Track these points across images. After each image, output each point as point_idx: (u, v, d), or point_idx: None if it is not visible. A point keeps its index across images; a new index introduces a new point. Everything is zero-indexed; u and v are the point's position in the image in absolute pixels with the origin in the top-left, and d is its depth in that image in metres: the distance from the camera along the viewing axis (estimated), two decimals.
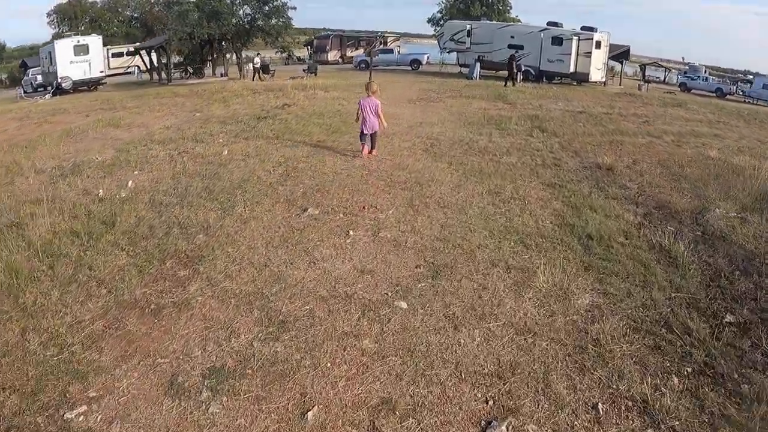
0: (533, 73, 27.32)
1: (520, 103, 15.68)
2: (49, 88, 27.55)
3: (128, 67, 41.72)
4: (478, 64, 28.58)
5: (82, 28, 57.27)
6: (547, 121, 12.24)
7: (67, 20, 55.76)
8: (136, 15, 59.99)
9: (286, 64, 45.93)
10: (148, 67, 35.83)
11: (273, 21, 27.48)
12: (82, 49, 26.93)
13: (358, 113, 8.63)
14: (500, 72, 31.09)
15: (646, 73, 47.78)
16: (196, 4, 23.48)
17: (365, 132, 8.60)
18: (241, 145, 9.01)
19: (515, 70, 24.07)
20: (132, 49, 38.41)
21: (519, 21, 49.15)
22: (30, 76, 35.51)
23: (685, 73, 48.15)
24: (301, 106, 13.98)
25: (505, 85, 22.28)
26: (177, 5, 23.97)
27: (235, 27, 25.14)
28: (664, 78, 47.17)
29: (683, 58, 75.19)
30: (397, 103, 15.13)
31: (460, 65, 33.13)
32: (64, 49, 26.46)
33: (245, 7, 25.95)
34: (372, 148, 8.71)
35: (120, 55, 43.77)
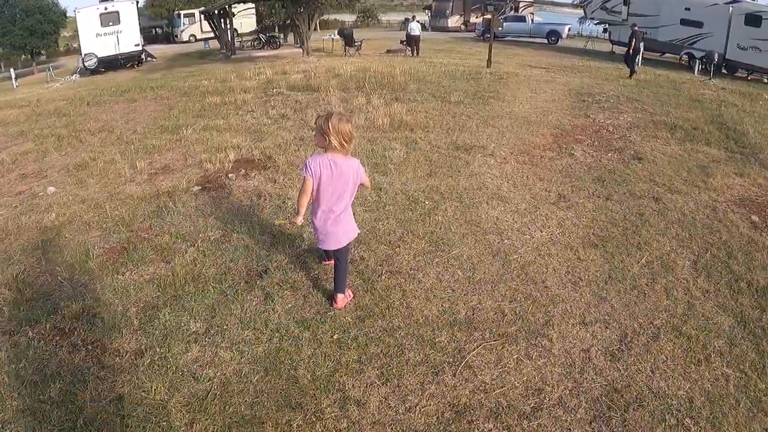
0: (715, 61, 18.00)
1: None
2: (78, 66, 22.91)
3: None
4: (641, 45, 19.33)
5: None
6: None
7: None
8: None
9: (400, 30, 39.51)
10: (216, 34, 31.10)
11: None
12: (110, 18, 21.58)
13: (303, 198, 3.08)
14: (667, 56, 22.44)
15: None
16: None
17: (322, 245, 3.33)
18: None
19: (635, 50, 16.61)
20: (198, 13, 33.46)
21: None
22: None
23: None
24: (285, 172, 6.50)
25: (630, 76, 15.27)
26: None
27: None
28: None
29: None
30: (532, 148, 7.05)
31: (613, 42, 24.06)
32: (88, 18, 21.23)
33: None
34: (339, 289, 3.28)
35: None
